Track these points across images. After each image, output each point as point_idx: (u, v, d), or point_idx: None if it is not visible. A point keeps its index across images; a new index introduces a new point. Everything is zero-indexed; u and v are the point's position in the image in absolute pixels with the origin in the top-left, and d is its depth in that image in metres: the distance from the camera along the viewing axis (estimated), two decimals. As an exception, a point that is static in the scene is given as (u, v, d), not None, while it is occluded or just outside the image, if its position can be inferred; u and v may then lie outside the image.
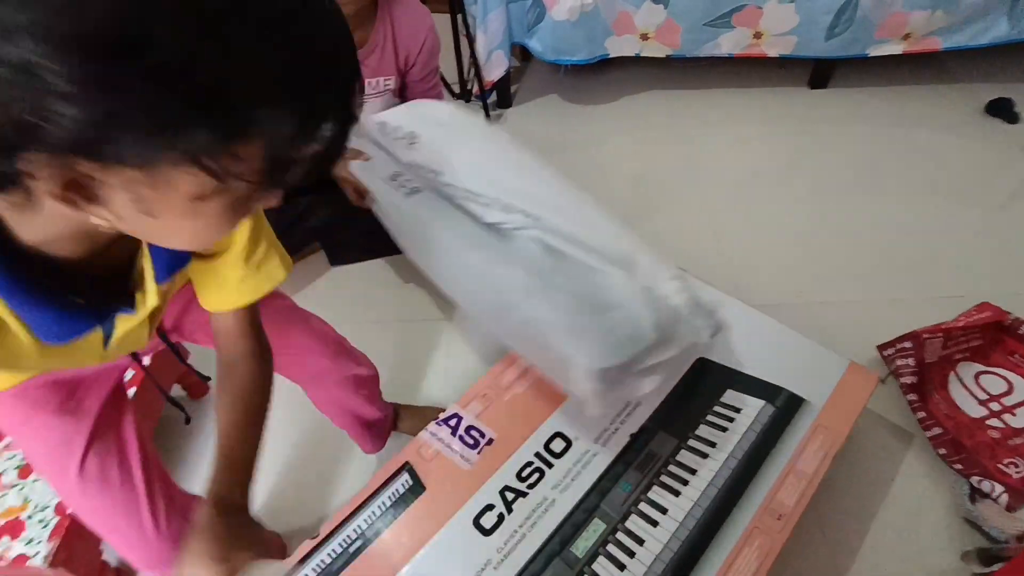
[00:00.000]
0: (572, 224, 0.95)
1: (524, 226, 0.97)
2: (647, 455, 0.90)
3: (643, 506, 0.85)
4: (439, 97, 1.41)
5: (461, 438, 0.93)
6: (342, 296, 1.51)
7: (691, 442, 0.90)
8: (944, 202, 1.67)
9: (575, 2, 1.75)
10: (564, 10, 1.77)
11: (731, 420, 0.91)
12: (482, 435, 0.94)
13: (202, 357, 1.35)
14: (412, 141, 1.17)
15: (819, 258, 1.54)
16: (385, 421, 1.13)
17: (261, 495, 1.15)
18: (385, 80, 1.33)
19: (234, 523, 0.61)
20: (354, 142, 1.20)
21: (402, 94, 1.41)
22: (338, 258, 1.57)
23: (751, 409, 0.92)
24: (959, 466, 1.07)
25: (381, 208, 1.15)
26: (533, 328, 0.83)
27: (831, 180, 1.77)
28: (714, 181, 1.78)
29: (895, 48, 1.90)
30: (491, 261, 0.93)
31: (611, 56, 1.91)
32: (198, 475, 1.18)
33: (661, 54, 1.89)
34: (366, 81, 1.30)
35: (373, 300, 1.50)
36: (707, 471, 0.87)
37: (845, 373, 0.94)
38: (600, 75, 2.14)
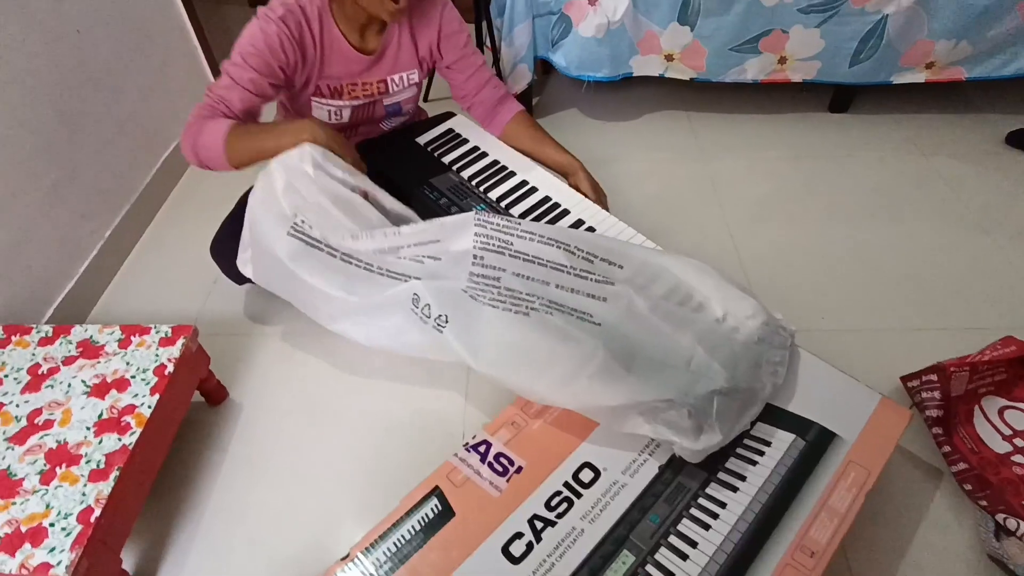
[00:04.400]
0: (657, 277, 1.02)
1: (622, 279, 1.01)
2: (676, 487, 0.90)
3: (673, 539, 0.85)
4: (484, 67, 1.37)
5: (490, 465, 0.93)
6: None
7: (721, 475, 0.90)
8: (963, 232, 1.67)
9: (602, 19, 1.75)
10: (591, 27, 1.77)
11: (761, 454, 0.91)
12: (511, 463, 0.93)
13: (220, 365, 1.35)
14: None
15: (840, 284, 1.54)
16: None
17: (292, 513, 1.14)
18: (408, 75, 1.32)
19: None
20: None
21: (430, 75, 1.44)
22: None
23: (781, 443, 0.92)
24: (984, 503, 1.06)
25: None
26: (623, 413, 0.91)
27: (850, 205, 1.77)
28: (732, 203, 1.78)
29: (918, 76, 1.91)
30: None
31: (635, 75, 1.91)
32: (218, 483, 1.18)
33: (685, 76, 1.89)
34: (388, 79, 1.30)
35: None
36: (737, 505, 0.86)
37: (877, 408, 0.94)
38: (621, 92, 2.15)
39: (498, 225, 1.02)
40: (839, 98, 2.08)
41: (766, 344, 0.96)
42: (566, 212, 1.20)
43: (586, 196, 1.26)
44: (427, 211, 1.20)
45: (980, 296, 1.50)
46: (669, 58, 1.85)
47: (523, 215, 1.21)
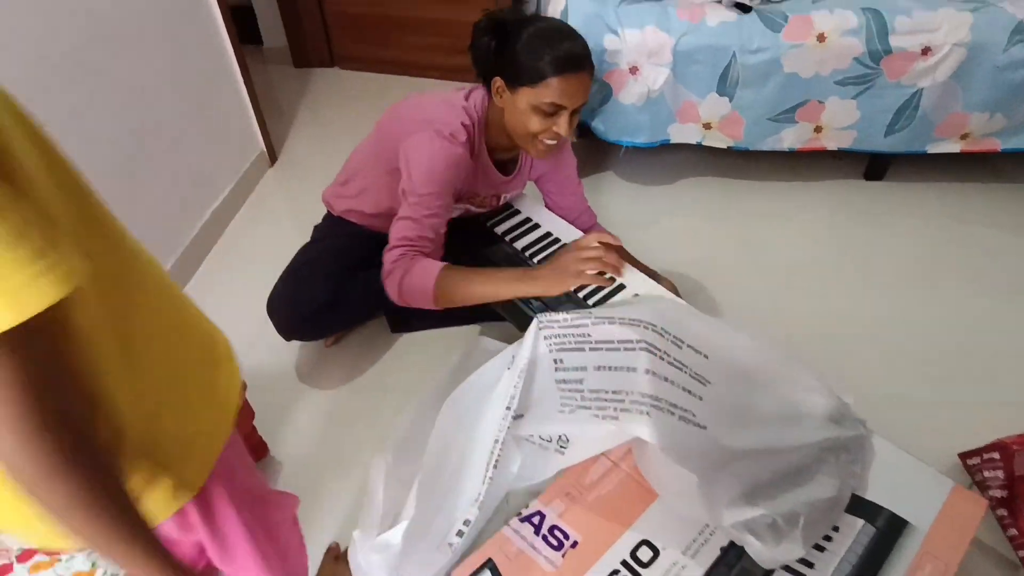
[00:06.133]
0: (743, 374, 0.97)
1: (710, 371, 0.96)
2: (740, 571, 0.86)
3: (740, 628, 0.81)
4: (582, 196, 1.43)
5: (544, 538, 0.91)
6: (404, 366, 1.50)
7: (787, 560, 0.87)
8: (1007, 302, 1.65)
9: (642, 88, 1.81)
10: (631, 95, 1.82)
11: (829, 539, 0.88)
12: (566, 536, 0.91)
13: (261, 421, 1.34)
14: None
15: (885, 353, 1.52)
16: None
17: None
18: (518, 192, 1.39)
19: None
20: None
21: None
22: (400, 326, 1.58)
23: (850, 528, 0.88)
24: (1055, 594, 1.01)
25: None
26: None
27: (890, 273, 1.76)
28: (770, 268, 1.78)
29: (953, 147, 1.93)
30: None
31: (672, 142, 1.95)
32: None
33: (723, 145, 1.93)
34: (502, 195, 1.35)
35: (435, 371, 1.49)
36: (807, 594, 0.83)
37: (950, 496, 0.91)
38: (657, 157, 2.18)
39: (567, 321, 0.95)
40: (874, 166, 2.10)
41: (843, 446, 0.93)
42: (621, 287, 1.20)
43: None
44: None
45: (1026, 370, 1.46)
46: (707, 127, 1.89)
47: (577, 289, 1.19)
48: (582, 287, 1.20)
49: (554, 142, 1.13)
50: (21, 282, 0.34)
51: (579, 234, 1.36)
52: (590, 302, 1.17)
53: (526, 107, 1.10)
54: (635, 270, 1.24)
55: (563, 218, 1.41)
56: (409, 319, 1.56)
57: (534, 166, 1.36)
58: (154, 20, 1.60)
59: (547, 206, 1.45)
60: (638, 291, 1.19)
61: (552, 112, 1.09)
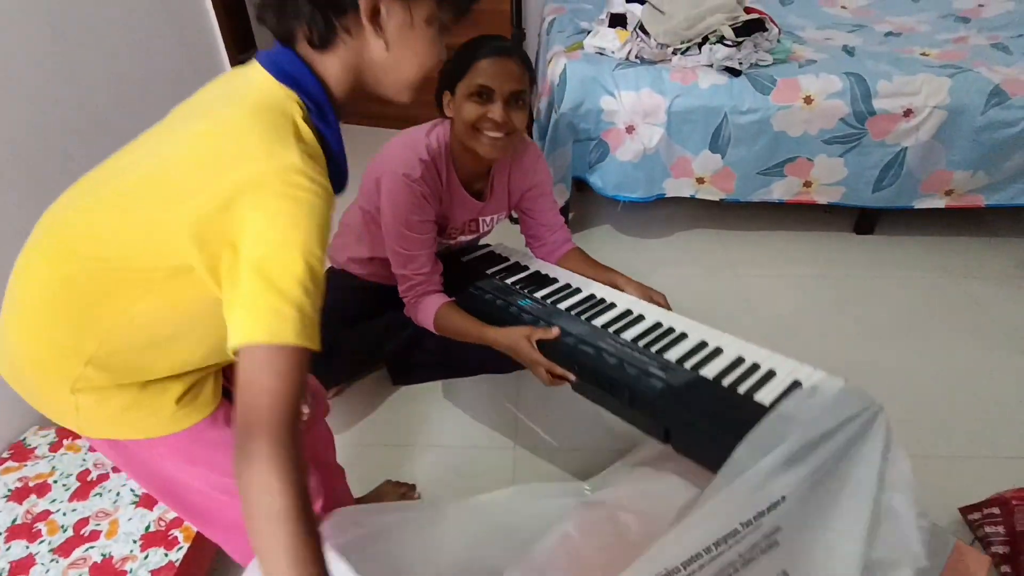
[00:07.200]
0: None
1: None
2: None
3: None
4: (558, 213, 1.44)
5: (549, 596, 0.90)
6: (404, 418, 1.51)
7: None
8: (1001, 355, 1.68)
9: (638, 146, 1.88)
10: (628, 152, 1.89)
11: (834, 597, 0.87)
12: (571, 595, 0.90)
13: None
14: None
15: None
16: None
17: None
18: (497, 216, 1.40)
19: None
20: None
21: (514, 215, 1.47)
22: (402, 378, 1.59)
23: (855, 586, 0.88)
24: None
25: None
26: None
27: (882, 325, 1.79)
28: (765, 317, 1.81)
29: (939, 202, 1.99)
30: None
31: (667, 195, 2.01)
32: None
33: (715, 197, 1.99)
34: (480, 219, 1.37)
35: (436, 424, 1.49)
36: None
37: (952, 552, 0.91)
38: (654, 210, 2.25)
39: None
40: (864, 220, 2.16)
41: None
42: (612, 305, 1.21)
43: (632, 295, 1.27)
44: (473, 303, 1.22)
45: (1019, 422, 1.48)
46: (700, 181, 1.96)
47: (569, 309, 1.20)
48: (549, 296, 1.25)
49: (498, 135, 1.14)
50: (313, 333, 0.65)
51: (568, 273, 1.37)
52: (573, 313, 1.19)
53: (461, 99, 1.14)
54: (624, 295, 1.26)
55: (541, 235, 1.42)
56: (411, 371, 1.57)
57: (511, 186, 1.37)
58: (172, 82, 1.71)
59: (525, 226, 1.45)
60: (630, 307, 1.22)
61: (484, 97, 1.12)
